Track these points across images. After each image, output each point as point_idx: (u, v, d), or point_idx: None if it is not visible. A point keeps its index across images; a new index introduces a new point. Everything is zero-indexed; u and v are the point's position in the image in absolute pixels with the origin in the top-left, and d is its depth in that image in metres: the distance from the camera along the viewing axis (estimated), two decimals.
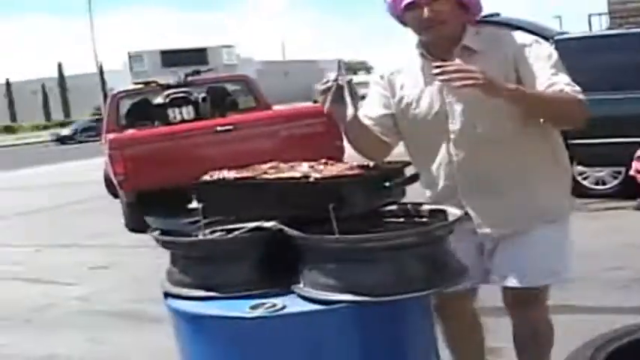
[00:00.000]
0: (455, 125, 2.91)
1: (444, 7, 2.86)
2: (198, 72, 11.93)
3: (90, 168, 18.99)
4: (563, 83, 2.83)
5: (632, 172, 8.70)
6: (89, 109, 66.62)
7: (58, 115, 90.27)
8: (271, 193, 2.38)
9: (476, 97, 2.76)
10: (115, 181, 9.82)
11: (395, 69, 3.11)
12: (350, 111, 2.70)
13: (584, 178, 9.72)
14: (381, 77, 3.11)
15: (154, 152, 9.58)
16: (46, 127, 74.11)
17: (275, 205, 2.38)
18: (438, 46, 2.96)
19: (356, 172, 2.31)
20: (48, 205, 14.09)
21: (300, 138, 9.59)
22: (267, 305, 2.22)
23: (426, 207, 2.53)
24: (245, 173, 2.47)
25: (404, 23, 2.99)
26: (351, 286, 2.16)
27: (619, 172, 9.50)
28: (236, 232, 2.43)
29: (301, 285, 2.28)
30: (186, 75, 11.51)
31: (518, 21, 10.78)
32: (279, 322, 2.20)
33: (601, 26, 18.86)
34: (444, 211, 2.46)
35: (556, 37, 9.81)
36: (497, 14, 10.72)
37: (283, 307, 2.21)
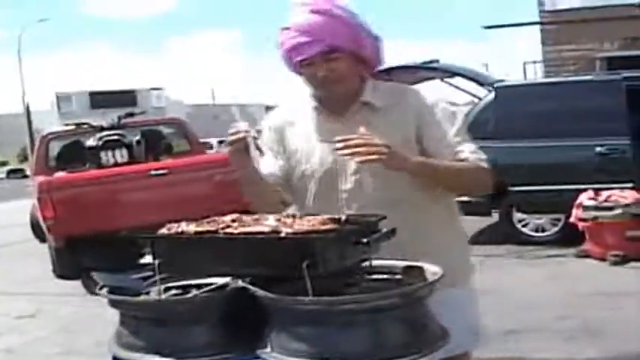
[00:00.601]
0: (346, 185, 2.78)
1: (340, 64, 2.72)
2: (131, 114, 11.67)
3: (15, 210, 18.45)
4: (468, 152, 2.75)
5: (572, 219, 8.72)
6: (15, 150, 65.39)
7: None
8: (236, 249, 2.16)
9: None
10: (43, 226, 9.45)
11: (286, 120, 2.95)
12: (253, 165, 2.68)
13: (524, 226, 9.73)
14: (270, 129, 2.95)
15: (86, 196, 9.25)
16: None
17: (240, 262, 2.16)
18: (334, 101, 2.82)
19: (330, 226, 2.11)
20: None
21: (236, 183, 9.35)
22: None
23: (400, 263, 2.33)
24: (206, 226, 2.25)
25: (299, 74, 2.84)
26: (326, 352, 1.95)
27: (558, 219, 9.52)
28: (196, 292, 2.21)
29: (268, 350, 2.05)
30: (120, 117, 11.23)
31: (457, 68, 10.82)
32: None
33: (535, 74, 19.17)
34: (419, 268, 2.28)
35: (495, 84, 9.83)
36: (437, 61, 10.72)
37: None
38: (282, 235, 2.10)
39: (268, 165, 2.87)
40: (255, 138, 2.62)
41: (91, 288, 8.32)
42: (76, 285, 9.06)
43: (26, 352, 6.65)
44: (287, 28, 2.74)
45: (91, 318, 7.45)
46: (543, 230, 9.70)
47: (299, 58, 2.72)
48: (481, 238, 10.07)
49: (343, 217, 2.21)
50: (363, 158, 2.50)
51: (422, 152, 2.75)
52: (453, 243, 2.89)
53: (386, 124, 2.72)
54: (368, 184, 2.74)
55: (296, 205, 2.91)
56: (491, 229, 10.20)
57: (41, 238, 10.98)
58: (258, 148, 2.63)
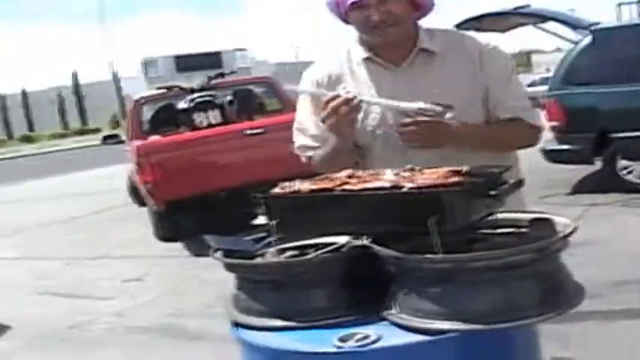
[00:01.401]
0: None
1: (395, 7, 2.54)
2: (222, 75, 11.64)
3: (112, 175, 18.79)
4: (521, 109, 2.67)
5: None
6: (106, 117, 66.58)
7: (75, 123, 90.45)
8: (356, 207, 2.06)
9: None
10: (143, 190, 9.54)
11: (330, 75, 2.75)
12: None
13: (629, 173, 9.40)
14: (319, 84, 2.73)
15: (183, 158, 9.28)
16: (63, 136, 74.19)
17: (360, 220, 2.06)
18: (388, 49, 2.65)
19: (456, 179, 1.99)
20: (72, 215, 13.83)
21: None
22: (358, 336, 1.88)
23: (526, 215, 2.21)
24: (322, 184, 2.15)
25: (347, 22, 2.67)
26: (458, 313, 1.84)
27: None
28: (317, 252, 2.12)
29: (395, 311, 1.95)
30: (210, 78, 11.21)
31: (549, 12, 10.48)
32: (375, 356, 1.86)
33: (630, 16, 18.56)
34: (548, 220, 2.15)
35: (592, 28, 9.49)
36: (528, 5, 10.39)
37: (379, 339, 1.87)
38: (406, 189, 1.99)
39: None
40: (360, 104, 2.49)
41: (195, 250, 8.42)
42: (179, 247, 9.16)
43: (137, 315, 6.72)
44: None
45: (196, 280, 7.52)
46: None
47: (352, 0, 2.56)
48: (584, 186, 9.81)
49: (465, 169, 2.09)
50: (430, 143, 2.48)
51: (484, 100, 2.65)
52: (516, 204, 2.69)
53: (445, 71, 2.61)
54: None
55: (361, 165, 2.75)
56: (594, 177, 9.93)
57: (140, 202, 11.12)
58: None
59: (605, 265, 6.30)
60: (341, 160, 2.68)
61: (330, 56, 2.84)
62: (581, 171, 9.98)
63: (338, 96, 2.48)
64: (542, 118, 2.78)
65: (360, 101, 2.47)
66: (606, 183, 9.43)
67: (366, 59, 2.70)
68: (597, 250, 6.71)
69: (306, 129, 2.80)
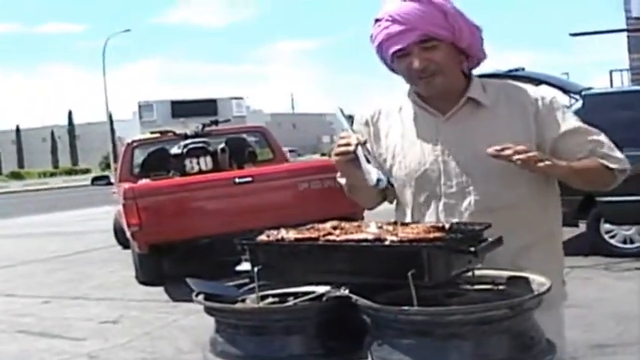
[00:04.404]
0: (449, 187, 2.58)
1: (437, 54, 2.53)
2: (216, 122, 11.72)
3: (98, 217, 18.78)
4: (603, 151, 2.62)
5: None
6: (97, 158, 66.67)
7: (66, 162, 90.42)
8: (338, 258, 2.11)
9: (477, 157, 2.49)
10: (127, 232, 9.55)
11: (381, 111, 2.77)
12: (359, 174, 2.48)
13: (612, 237, 9.47)
14: (366, 123, 2.76)
15: (171, 203, 9.28)
16: (52, 175, 74.12)
17: (342, 270, 2.11)
18: (435, 97, 2.63)
19: (436, 235, 2.04)
20: (55, 254, 13.79)
21: (320, 192, 9.30)
22: None
23: (504, 273, 2.25)
24: (307, 234, 2.20)
25: (394, 71, 2.67)
26: None
27: None
28: (294, 300, 2.16)
29: None
30: (204, 125, 11.30)
31: (543, 76, 10.60)
32: None
33: (622, 82, 18.83)
34: (525, 278, 2.19)
35: (583, 93, 9.61)
36: (522, 69, 10.52)
37: None
38: (387, 243, 2.04)
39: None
40: (365, 147, 2.50)
41: (176, 295, 8.40)
42: (159, 291, 9.14)
43: (109, 357, 6.68)
44: (379, 20, 2.57)
45: (173, 325, 7.51)
46: (632, 242, 9.44)
47: (393, 49, 2.55)
48: (568, 249, 9.79)
49: (447, 225, 2.14)
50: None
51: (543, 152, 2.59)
52: (551, 262, 2.68)
53: (494, 123, 2.57)
54: (474, 188, 2.56)
55: (396, 206, 2.78)
56: (577, 240, 9.97)
57: (124, 244, 11.10)
58: (367, 159, 2.48)
59: (585, 327, 6.33)
60: (358, 195, 2.77)
61: (383, 98, 2.87)
62: (565, 233, 10.03)
63: (348, 136, 2.53)
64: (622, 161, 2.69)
65: (355, 153, 2.49)
66: (589, 246, 9.49)
67: (415, 102, 2.68)
68: (578, 312, 6.73)
69: None
